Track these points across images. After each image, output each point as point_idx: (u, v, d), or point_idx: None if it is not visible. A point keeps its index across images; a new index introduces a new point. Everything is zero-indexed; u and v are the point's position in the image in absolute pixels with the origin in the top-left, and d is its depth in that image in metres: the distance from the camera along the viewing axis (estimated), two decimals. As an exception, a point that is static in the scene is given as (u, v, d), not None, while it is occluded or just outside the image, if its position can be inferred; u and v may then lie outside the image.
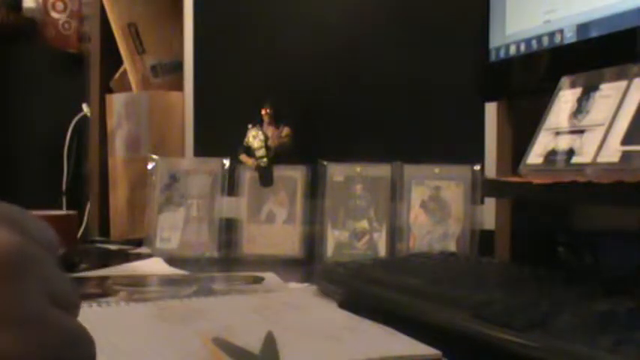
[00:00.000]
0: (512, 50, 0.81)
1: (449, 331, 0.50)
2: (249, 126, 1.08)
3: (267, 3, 1.18)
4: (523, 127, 0.85)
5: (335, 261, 0.92)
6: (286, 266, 0.95)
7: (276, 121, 1.08)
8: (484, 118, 0.96)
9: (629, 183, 0.54)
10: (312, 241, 1.03)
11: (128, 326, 0.54)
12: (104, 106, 1.33)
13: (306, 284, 0.77)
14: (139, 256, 1.05)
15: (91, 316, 0.57)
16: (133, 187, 1.28)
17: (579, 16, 0.71)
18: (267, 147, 1.06)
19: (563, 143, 0.64)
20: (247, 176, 1.09)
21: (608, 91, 0.62)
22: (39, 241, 0.33)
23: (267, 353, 0.46)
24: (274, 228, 1.06)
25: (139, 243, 1.15)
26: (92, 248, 1.19)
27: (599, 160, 0.59)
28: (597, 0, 0.69)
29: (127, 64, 1.33)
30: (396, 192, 1.00)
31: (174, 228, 1.10)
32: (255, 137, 1.07)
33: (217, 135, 1.19)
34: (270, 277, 0.83)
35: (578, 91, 0.66)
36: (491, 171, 0.94)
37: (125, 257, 1.05)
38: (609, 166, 0.58)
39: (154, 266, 0.95)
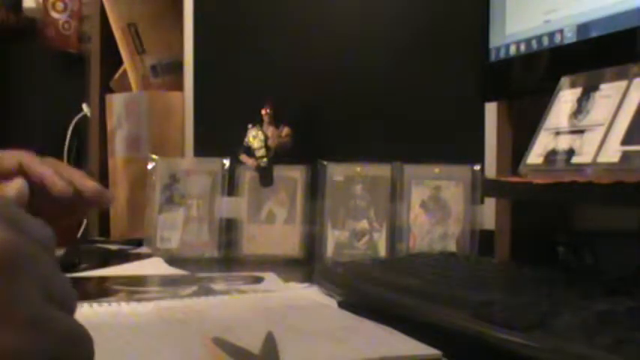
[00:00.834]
0: (512, 50, 0.81)
1: (449, 331, 0.50)
2: (249, 126, 1.08)
3: (267, 3, 1.18)
4: (523, 127, 0.85)
5: (335, 261, 0.92)
6: (286, 266, 0.95)
7: (276, 121, 1.08)
8: (484, 118, 0.96)
9: (629, 183, 0.54)
10: (312, 241, 1.03)
11: (128, 326, 0.54)
12: (104, 106, 1.33)
13: (306, 284, 0.77)
14: (139, 256, 1.05)
15: (91, 316, 0.57)
16: (133, 187, 1.28)
17: (579, 16, 0.71)
18: (267, 147, 1.06)
19: (563, 143, 0.64)
20: (247, 176, 1.09)
21: (608, 91, 0.62)
22: (36, 239, 0.33)
23: (267, 353, 0.46)
24: (274, 228, 1.06)
25: (139, 243, 1.15)
26: (92, 248, 1.19)
27: (599, 160, 0.59)
28: (597, 0, 0.69)
29: (127, 64, 1.33)
30: (396, 192, 1.00)
31: (174, 228, 1.10)
32: (255, 137, 1.07)
33: (217, 135, 1.19)
34: (270, 277, 0.83)
35: (578, 91, 0.66)
36: (491, 171, 0.94)
37: (125, 257, 1.05)
38: (609, 166, 0.58)
39: (154, 266, 0.95)
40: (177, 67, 1.30)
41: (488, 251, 0.92)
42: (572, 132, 0.64)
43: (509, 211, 0.90)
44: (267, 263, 0.95)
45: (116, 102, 1.31)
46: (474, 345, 0.47)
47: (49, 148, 1.69)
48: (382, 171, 1.01)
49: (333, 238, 1.01)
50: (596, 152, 0.60)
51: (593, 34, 0.69)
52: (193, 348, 0.47)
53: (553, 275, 0.62)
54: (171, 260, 0.97)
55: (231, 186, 1.10)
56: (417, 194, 0.99)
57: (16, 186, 0.57)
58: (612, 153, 0.58)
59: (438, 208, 0.98)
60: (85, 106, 1.57)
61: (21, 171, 0.58)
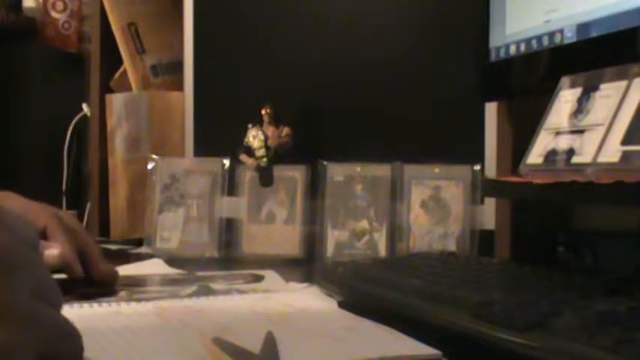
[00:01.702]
0: (512, 50, 0.81)
1: (449, 331, 0.50)
2: (249, 126, 1.08)
3: (267, 3, 1.18)
4: (523, 127, 0.85)
5: (335, 261, 0.92)
6: (286, 266, 0.95)
7: (276, 121, 1.08)
8: (484, 118, 0.96)
9: (629, 183, 0.54)
10: (312, 241, 1.03)
11: (128, 326, 0.54)
12: (104, 106, 1.33)
13: (306, 284, 0.77)
14: (139, 256, 1.05)
15: (91, 316, 0.57)
16: (133, 187, 1.28)
17: (579, 16, 0.71)
18: (267, 147, 1.06)
19: (563, 143, 0.64)
20: (247, 176, 1.09)
21: (608, 91, 0.62)
22: (25, 240, 0.34)
23: (267, 353, 0.46)
24: (274, 228, 1.06)
25: (139, 243, 1.15)
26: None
27: (599, 160, 0.59)
28: (597, 0, 0.69)
29: (127, 64, 1.33)
30: (396, 192, 1.00)
31: (174, 228, 1.10)
32: (255, 137, 1.07)
33: (217, 135, 1.19)
34: (270, 274, 0.83)
35: (578, 91, 0.66)
36: (491, 171, 0.94)
37: (125, 257, 1.05)
38: (609, 166, 0.58)
39: (153, 266, 0.95)
40: (177, 67, 1.30)
41: (488, 251, 0.92)
42: (572, 132, 0.64)
43: (509, 211, 0.90)
44: (267, 263, 0.95)
45: (116, 102, 1.31)
46: (474, 345, 0.47)
47: (49, 148, 1.69)
48: (382, 171, 1.02)
49: (333, 238, 1.01)
50: (596, 152, 0.60)
51: (593, 34, 0.69)
52: (193, 348, 0.47)
53: (553, 275, 0.62)
54: (171, 260, 0.97)
55: (231, 186, 1.10)
56: (417, 194, 0.99)
57: (56, 253, 0.65)
58: (612, 153, 0.58)
59: (438, 208, 0.98)
60: (85, 106, 1.58)
61: (43, 235, 0.66)
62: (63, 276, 0.66)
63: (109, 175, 1.32)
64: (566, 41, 0.73)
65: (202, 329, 0.52)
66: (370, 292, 0.63)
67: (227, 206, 1.09)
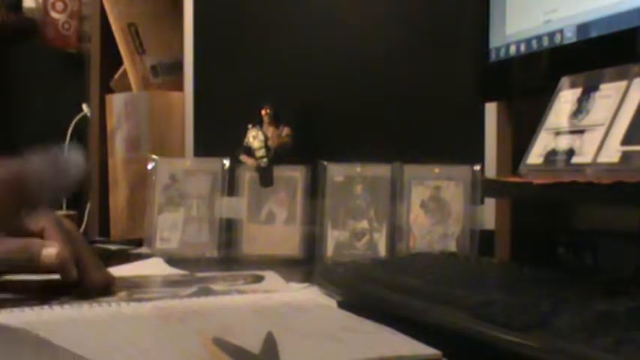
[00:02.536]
0: (512, 50, 0.81)
1: (449, 331, 0.50)
2: (249, 126, 1.08)
3: (267, 3, 1.18)
4: (523, 127, 0.85)
5: (335, 261, 0.92)
6: (286, 266, 0.95)
7: (276, 121, 1.08)
8: (484, 118, 0.96)
9: (629, 183, 0.54)
10: (312, 241, 1.03)
11: (128, 326, 0.54)
12: (104, 106, 1.33)
13: (306, 284, 0.77)
14: (139, 256, 1.05)
15: (90, 316, 0.57)
16: (133, 187, 1.28)
17: (579, 16, 0.71)
18: (267, 147, 1.06)
19: (563, 143, 0.64)
20: (247, 176, 1.09)
21: (608, 91, 0.62)
22: None
23: (267, 353, 0.46)
24: (274, 228, 1.06)
25: (139, 243, 1.15)
26: (92, 248, 1.19)
27: (599, 160, 0.59)
28: (597, 0, 0.69)
29: (127, 64, 1.33)
30: (396, 192, 1.00)
31: (174, 228, 1.10)
32: (255, 137, 1.07)
33: (217, 135, 1.19)
34: (270, 274, 0.83)
35: (578, 91, 0.66)
36: (491, 171, 0.94)
37: (125, 257, 1.05)
38: (609, 166, 0.58)
39: (153, 266, 0.95)
40: (177, 67, 1.30)
41: (488, 251, 0.92)
42: (572, 132, 0.64)
43: (509, 211, 0.90)
44: (267, 263, 0.95)
45: (116, 102, 1.31)
46: (474, 345, 0.47)
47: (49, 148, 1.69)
48: (382, 171, 1.01)
49: (333, 238, 1.01)
50: (596, 152, 0.60)
51: (593, 34, 0.69)
52: (193, 348, 0.47)
53: (553, 275, 0.62)
54: (171, 260, 0.97)
55: (231, 186, 1.10)
56: (417, 194, 0.99)
57: (54, 253, 0.64)
58: (612, 153, 0.58)
59: (438, 208, 0.98)
60: (85, 106, 1.58)
61: (41, 237, 0.66)
62: (57, 277, 0.66)
63: (109, 175, 1.32)
64: (566, 41, 0.73)
65: (202, 329, 0.52)
66: (370, 292, 0.63)
67: (227, 206, 1.09)
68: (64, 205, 1.64)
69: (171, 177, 1.12)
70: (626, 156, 0.57)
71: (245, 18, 1.19)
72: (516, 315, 0.46)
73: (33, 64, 1.74)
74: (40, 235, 0.66)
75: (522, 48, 0.80)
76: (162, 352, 0.47)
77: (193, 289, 0.73)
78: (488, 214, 0.94)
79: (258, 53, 1.17)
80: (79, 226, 1.43)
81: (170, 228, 1.10)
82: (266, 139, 1.07)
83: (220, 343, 0.47)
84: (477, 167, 0.96)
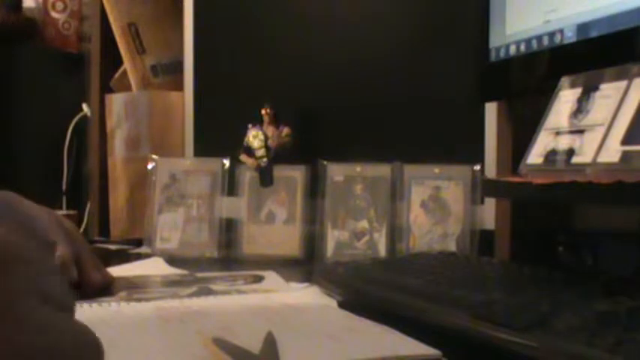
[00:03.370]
0: (512, 50, 0.81)
1: (449, 331, 0.50)
2: (249, 126, 1.08)
3: (267, 3, 1.19)
4: (523, 127, 0.85)
5: (335, 261, 0.92)
6: (286, 266, 0.95)
7: (276, 121, 1.08)
8: (484, 118, 0.96)
9: (629, 183, 0.54)
10: (312, 241, 1.03)
11: (128, 326, 0.54)
12: (104, 106, 1.33)
13: (306, 284, 0.77)
14: (139, 256, 1.05)
15: (91, 316, 0.57)
16: (133, 187, 1.28)
17: (579, 16, 0.71)
18: (267, 147, 1.06)
19: (563, 143, 0.64)
20: (247, 176, 1.09)
21: (608, 91, 0.62)
22: (40, 238, 0.33)
23: (267, 353, 0.46)
24: (274, 228, 1.06)
25: (139, 243, 1.15)
26: (92, 248, 1.19)
27: (599, 160, 0.59)
28: (597, 0, 0.69)
29: (126, 64, 1.33)
30: (396, 192, 1.00)
31: (174, 228, 1.10)
32: (255, 137, 1.07)
33: (217, 135, 1.19)
34: (270, 274, 0.83)
35: (578, 91, 0.66)
36: (491, 171, 0.94)
37: (125, 257, 1.05)
38: (609, 166, 0.58)
39: (154, 266, 0.95)
40: (177, 67, 1.30)
41: (488, 251, 0.92)
42: (572, 132, 0.64)
43: (509, 211, 0.90)
44: (267, 263, 0.95)
45: (116, 102, 1.31)
46: (474, 345, 0.47)
47: (49, 148, 1.69)
48: (382, 171, 1.02)
49: (333, 238, 1.01)
50: (596, 152, 0.60)
51: (593, 34, 0.69)
52: (193, 348, 0.47)
53: (553, 275, 0.62)
54: (171, 260, 0.97)
55: (231, 186, 1.10)
56: (417, 194, 0.99)
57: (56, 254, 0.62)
58: (612, 153, 0.58)
59: (438, 208, 0.98)
60: (85, 106, 1.58)
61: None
62: None
63: (109, 175, 1.32)
64: (566, 41, 0.73)
65: (202, 329, 0.52)
66: (370, 292, 0.63)
67: (227, 206, 1.09)
68: (64, 205, 1.64)
69: (171, 177, 1.13)
70: (626, 156, 0.57)
71: (245, 18, 1.19)
72: (516, 315, 0.46)
73: (33, 64, 1.74)
74: None
75: (522, 48, 0.80)
76: (162, 352, 0.47)
77: (193, 289, 0.73)
78: (488, 214, 0.94)
79: (258, 53, 1.17)
80: (79, 226, 1.43)
81: (170, 228, 1.10)
82: (266, 139, 1.07)
83: (220, 343, 0.47)
84: (477, 167, 0.96)
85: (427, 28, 1.05)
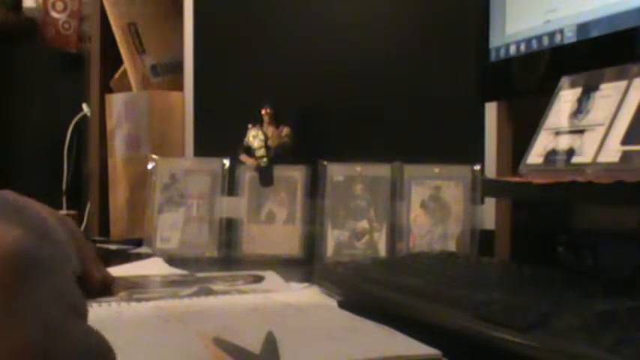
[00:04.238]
0: (512, 50, 0.81)
1: (449, 331, 0.50)
2: (249, 126, 1.08)
3: (267, 3, 1.19)
4: (523, 127, 0.85)
5: (335, 261, 0.92)
6: (286, 266, 0.95)
7: (276, 121, 1.08)
8: (484, 118, 0.96)
9: (629, 183, 0.54)
10: (312, 241, 1.03)
11: (128, 326, 0.54)
12: (104, 106, 1.33)
13: (306, 284, 0.77)
14: (139, 256, 1.05)
15: (90, 316, 0.57)
16: (133, 187, 1.28)
17: (579, 16, 0.71)
18: (267, 147, 1.06)
19: (563, 143, 0.64)
20: (247, 176, 1.09)
21: (608, 91, 0.62)
22: (60, 246, 0.32)
23: (267, 353, 0.46)
24: (274, 228, 1.06)
25: (139, 243, 1.15)
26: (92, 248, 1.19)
27: (599, 160, 0.59)
28: (597, 0, 0.69)
29: (127, 64, 1.33)
30: (396, 192, 1.00)
31: (174, 228, 1.10)
32: (255, 137, 1.07)
33: (217, 135, 1.19)
34: (270, 275, 0.83)
35: (578, 91, 0.66)
36: (491, 171, 0.94)
37: (125, 257, 1.05)
38: (609, 166, 0.58)
39: (153, 266, 0.95)
40: (177, 67, 1.30)
41: (488, 251, 0.92)
42: (572, 132, 0.64)
43: (509, 211, 0.90)
44: (267, 263, 0.95)
45: (116, 102, 1.31)
46: (474, 345, 0.47)
47: (49, 148, 1.69)
48: (382, 171, 1.01)
49: (333, 238, 1.01)
50: (596, 152, 0.60)
51: (593, 34, 0.70)
52: (193, 348, 0.47)
53: (553, 275, 0.62)
54: (171, 260, 0.97)
55: (231, 186, 1.10)
56: (417, 194, 0.99)
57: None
58: (612, 153, 0.58)
59: (438, 208, 0.98)
60: (85, 106, 1.58)
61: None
62: None
63: (109, 175, 1.32)
64: (566, 41, 0.73)
65: (202, 329, 0.52)
66: (370, 292, 0.63)
67: (227, 206, 1.09)
68: (64, 205, 1.64)
69: (171, 177, 1.13)
70: (626, 156, 0.57)
71: (245, 18, 1.19)
72: (516, 315, 0.46)
73: (33, 64, 1.74)
74: None
75: (522, 48, 0.80)
76: (162, 352, 0.47)
77: (193, 289, 0.73)
78: (488, 214, 0.94)
79: (258, 53, 1.17)
80: (79, 226, 1.43)
81: (170, 228, 1.10)
82: (266, 138, 1.07)
83: (221, 343, 0.47)
84: (477, 167, 0.96)
85: (427, 28, 1.05)
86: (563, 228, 0.90)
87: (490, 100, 0.93)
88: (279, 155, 1.07)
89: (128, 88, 1.34)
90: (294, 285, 0.78)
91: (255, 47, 1.18)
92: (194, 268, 0.90)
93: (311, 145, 1.10)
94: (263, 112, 1.08)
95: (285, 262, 1.00)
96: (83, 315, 0.33)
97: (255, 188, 1.08)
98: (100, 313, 0.59)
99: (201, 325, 0.54)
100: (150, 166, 1.14)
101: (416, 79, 1.05)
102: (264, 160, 1.06)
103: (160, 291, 0.75)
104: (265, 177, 1.07)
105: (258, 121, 1.08)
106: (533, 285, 0.59)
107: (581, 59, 0.71)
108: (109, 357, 0.33)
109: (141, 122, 1.28)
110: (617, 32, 0.67)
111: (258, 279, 0.81)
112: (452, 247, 0.95)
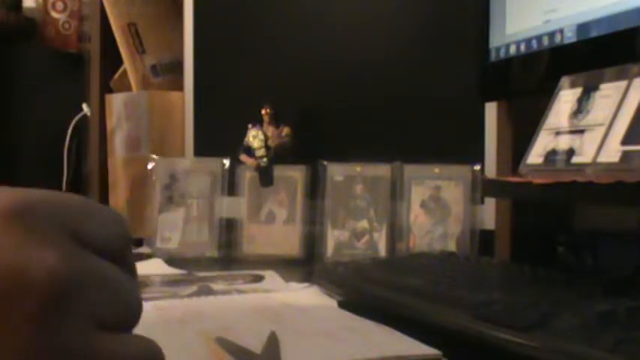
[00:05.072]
0: (512, 50, 0.81)
1: (449, 331, 0.50)
2: (249, 126, 1.08)
3: (267, 3, 1.18)
4: (523, 127, 0.85)
5: (335, 261, 0.92)
6: (286, 266, 0.95)
7: (276, 121, 1.08)
8: (484, 118, 0.96)
9: (629, 183, 0.54)
10: (312, 241, 1.03)
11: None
12: (104, 106, 1.33)
13: (306, 284, 0.77)
14: (139, 256, 1.05)
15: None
16: (133, 187, 1.28)
17: (579, 16, 0.71)
18: (267, 147, 1.06)
19: (563, 143, 0.64)
20: (247, 176, 1.09)
21: (608, 91, 0.62)
22: (101, 247, 0.30)
23: (269, 353, 0.46)
24: (274, 228, 1.06)
25: (139, 243, 1.15)
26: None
27: (599, 160, 0.59)
28: (597, 0, 0.69)
29: (127, 64, 1.33)
30: (396, 192, 1.00)
31: (174, 228, 1.10)
32: (255, 137, 1.07)
33: (217, 135, 1.19)
34: (270, 275, 0.83)
35: (578, 91, 0.66)
36: (491, 171, 0.94)
37: (125, 257, 1.05)
38: (609, 166, 0.58)
39: (153, 266, 0.95)
40: (177, 67, 1.30)
41: (488, 251, 0.92)
42: (572, 132, 0.64)
43: (509, 211, 0.90)
44: (267, 263, 0.95)
45: (116, 102, 1.31)
46: (474, 345, 0.47)
47: (49, 148, 1.69)
48: (382, 171, 1.01)
49: (333, 238, 1.01)
50: (596, 152, 0.60)
51: (593, 34, 0.69)
52: (193, 348, 0.47)
53: (553, 275, 0.62)
54: (171, 260, 0.97)
55: (231, 186, 1.10)
56: (417, 194, 0.99)
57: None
58: (612, 153, 0.58)
59: (438, 208, 0.98)
60: (85, 106, 1.58)
61: None
62: None
63: (109, 175, 1.32)
64: (566, 41, 0.73)
65: (203, 329, 0.52)
66: (370, 292, 0.63)
67: (227, 206, 1.09)
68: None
69: (171, 177, 1.13)
70: (626, 156, 0.57)
71: (245, 18, 1.19)
72: (516, 315, 0.46)
73: (33, 64, 1.74)
74: None
75: (522, 48, 0.80)
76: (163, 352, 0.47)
77: (193, 289, 0.73)
78: (489, 214, 0.94)
79: (258, 53, 1.17)
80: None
81: (170, 228, 1.10)
82: (266, 138, 1.07)
83: (223, 343, 0.47)
84: (477, 167, 0.96)
85: (427, 28, 1.05)
86: (563, 228, 0.90)
87: (490, 100, 0.93)
88: (279, 155, 1.07)
89: (128, 88, 1.34)
90: (294, 285, 0.78)
91: (255, 47, 1.18)
92: (194, 268, 0.90)
93: (311, 145, 1.10)
94: (263, 112, 1.08)
95: (285, 262, 1.00)
96: (122, 322, 0.32)
97: (255, 188, 1.08)
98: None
99: (201, 324, 0.54)
100: (150, 166, 1.14)
101: (416, 79, 1.05)
102: (264, 160, 1.06)
103: (160, 291, 0.75)
104: (265, 177, 1.07)
105: (258, 121, 1.08)
106: (533, 285, 0.59)
107: (581, 59, 0.71)
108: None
109: (141, 122, 1.28)
110: (617, 32, 0.67)
111: (258, 279, 0.81)
112: (452, 247, 0.95)
